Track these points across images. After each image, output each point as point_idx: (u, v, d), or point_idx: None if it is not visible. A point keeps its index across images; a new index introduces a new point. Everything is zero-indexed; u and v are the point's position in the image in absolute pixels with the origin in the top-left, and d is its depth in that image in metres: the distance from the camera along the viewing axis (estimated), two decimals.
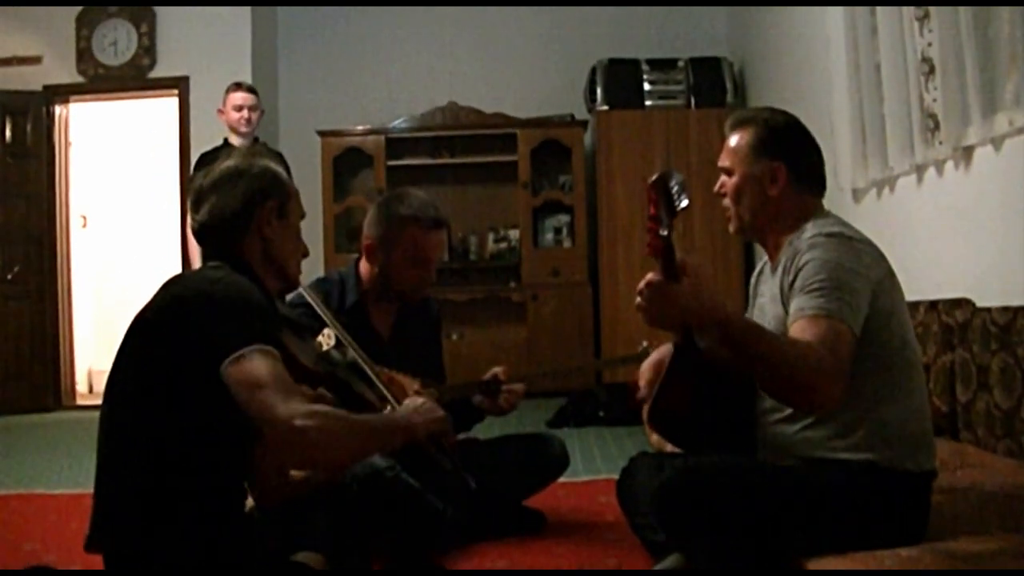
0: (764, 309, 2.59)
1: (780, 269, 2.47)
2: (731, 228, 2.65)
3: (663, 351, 2.71)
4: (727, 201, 2.60)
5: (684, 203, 2.12)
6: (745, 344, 2.17)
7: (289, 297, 2.83)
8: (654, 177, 2.15)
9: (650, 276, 2.15)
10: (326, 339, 2.41)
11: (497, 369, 3.31)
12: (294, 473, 2.26)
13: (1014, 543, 2.25)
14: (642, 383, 2.75)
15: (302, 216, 2.34)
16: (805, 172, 2.56)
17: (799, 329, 2.24)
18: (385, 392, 2.34)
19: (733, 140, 2.59)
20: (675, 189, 2.13)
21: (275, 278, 2.25)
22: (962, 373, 3.46)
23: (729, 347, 2.20)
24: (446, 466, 2.46)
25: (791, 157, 2.53)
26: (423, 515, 2.97)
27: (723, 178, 2.61)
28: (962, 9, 3.82)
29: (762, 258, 2.73)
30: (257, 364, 1.92)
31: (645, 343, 3.04)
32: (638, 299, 2.18)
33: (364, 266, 3.37)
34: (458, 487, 2.55)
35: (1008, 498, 2.70)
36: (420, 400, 2.35)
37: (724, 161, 2.60)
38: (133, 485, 1.99)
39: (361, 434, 2.06)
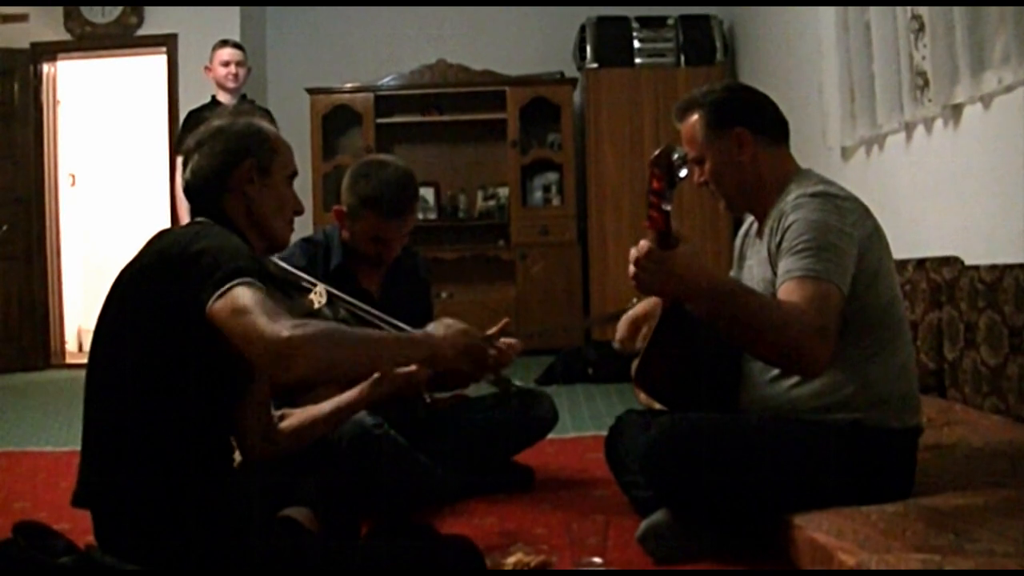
0: (752, 271, 2.60)
1: (767, 232, 2.48)
2: (722, 207, 2.67)
3: (643, 306, 2.74)
4: (712, 186, 2.61)
5: (683, 173, 2.14)
6: (735, 310, 2.20)
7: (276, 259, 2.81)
8: (656, 152, 2.16)
9: (644, 243, 2.16)
10: (318, 297, 2.39)
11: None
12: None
13: (999, 498, 2.27)
14: (618, 336, 2.78)
15: (294, 173, 2.31)
16: (766, 124, 2.59)
17: (787, 291, 2.26)
18: None
19: (686, 129, 2.61)
20: (677, 162, 2.14)
21: (258, 237, 2.21)
22: (949, 331, 3.48)
23: (718, 316, 2.24)
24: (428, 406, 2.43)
25: (745, 117, 2.56)
26: (411, 472, 2.99)
27: (696, 168, 2.61)
28: None
29: (748, 217, 2.74)
30: (240, 293, 1.85)
31: (635, 300, 3.04)
32: (632, 267, 2.19)
33: None
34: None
35: (993, 454, 2.73)
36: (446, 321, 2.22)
37: (690, 152, 2.59)
38: (120, 440, 1.98)
39: (365, 340, 1.99)
